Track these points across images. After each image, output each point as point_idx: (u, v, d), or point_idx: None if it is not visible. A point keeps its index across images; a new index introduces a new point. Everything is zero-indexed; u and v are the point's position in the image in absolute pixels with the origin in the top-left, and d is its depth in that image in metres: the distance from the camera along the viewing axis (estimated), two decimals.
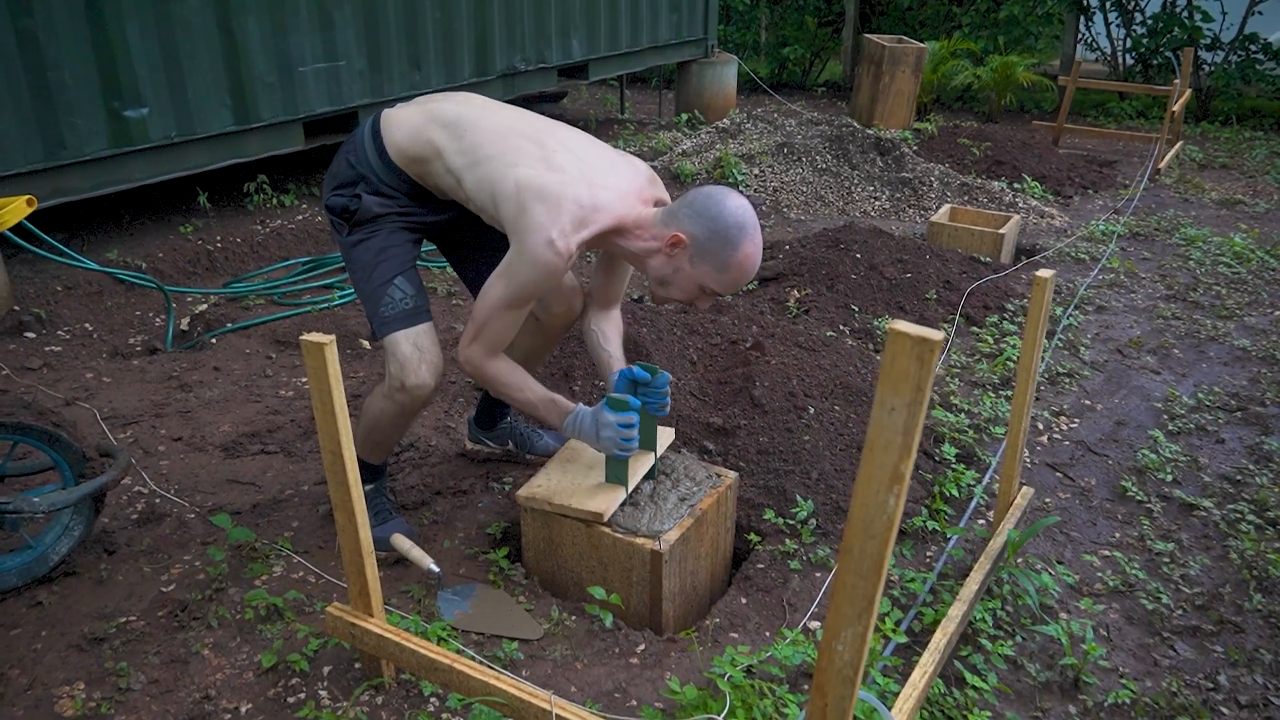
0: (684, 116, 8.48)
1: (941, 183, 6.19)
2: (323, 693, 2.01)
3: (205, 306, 4.38)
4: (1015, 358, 3.64)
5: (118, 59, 4.44)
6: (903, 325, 1.22)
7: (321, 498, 2.75)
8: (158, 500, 2.73)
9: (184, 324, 4.24)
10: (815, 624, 2.25)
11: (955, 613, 2.01)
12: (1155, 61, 9.86)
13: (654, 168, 6.56)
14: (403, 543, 2.34)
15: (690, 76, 8.82)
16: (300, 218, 5.54)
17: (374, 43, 5.54)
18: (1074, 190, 6.69)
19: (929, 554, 2.53)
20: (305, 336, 1.74)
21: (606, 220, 2.10)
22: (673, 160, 6.54)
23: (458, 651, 2.06)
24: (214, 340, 3.99)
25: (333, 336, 1.73)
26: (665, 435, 2.49)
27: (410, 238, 2.36)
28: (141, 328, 4.25)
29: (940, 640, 1.94)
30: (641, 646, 2.15)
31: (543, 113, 2.41)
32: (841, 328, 3.93)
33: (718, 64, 8.88)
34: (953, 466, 2.88)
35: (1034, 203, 6.13)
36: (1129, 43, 9.98)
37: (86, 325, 4.11)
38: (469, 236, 2.52)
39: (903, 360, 1.22)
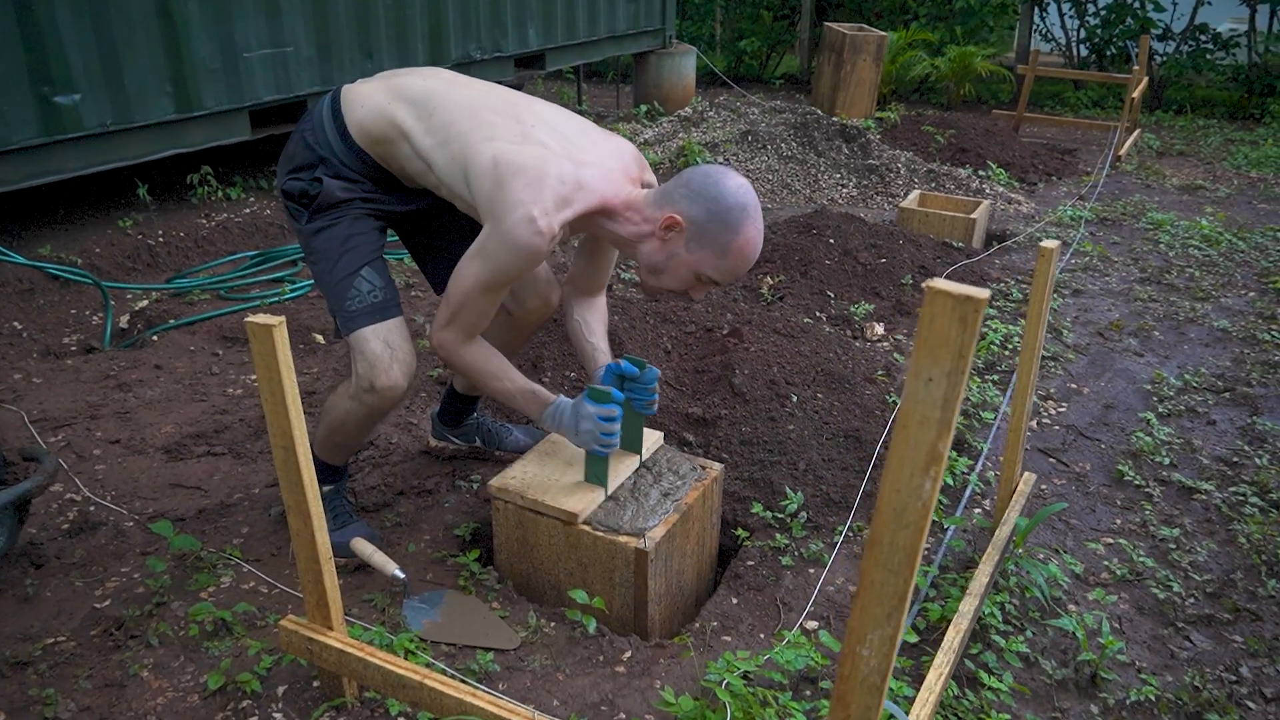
0: (643, 108, 8.32)
1: (908, 169, 6.10)
2: (277, 715, 1.81)
3: (146, 303, 4.12)
4: (998, 341, 3.54)
5: (46, 41, 4.16)
6: (943, 283, 1.07)
7: (273, 501, 2.54)
8: (92, 508, 2.50)
9: (123, 321, 3.98)
10: (813, 624, 2.10)
11: (966, 608, 1.87)
12: (1109, 52, 9.92)
13: None
14: (364, 547, 2.14)
15: (649, 67, 8.66)
16: (248, 211, 5.28)
17: (323, 29, 5.31)
18: (1038, 177, 6.65)
19: (925, 545, 2.39)
20: (251, 318, 1.55)
21: (591, 200, 1.93)
22: None
23: (427, 665, 1.88)
24: (155, 338, 3.74)
25: (282, 318, 1.54)
26: (652, 438, 2.32)
27: (376, 225, 2.17)
28: (78, 326, 3.99)
29: (953, 638, 1.79)
30: (628, 653, 1.98)
31: None
32: (818, 314, 3.79)
33: (676, 55, 8.73)
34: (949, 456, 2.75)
35: (1000, 189, 6.07)
36: (1083, 33, 10.03)
37: (15, 324, 3.84)
38: (436, 228, 2.32)
39: (942, 322, 1.07)
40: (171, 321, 3.85)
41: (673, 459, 2.32)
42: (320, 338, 3.65)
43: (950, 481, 2.59)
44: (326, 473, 2.30)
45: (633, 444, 2.26)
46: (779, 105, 6.81)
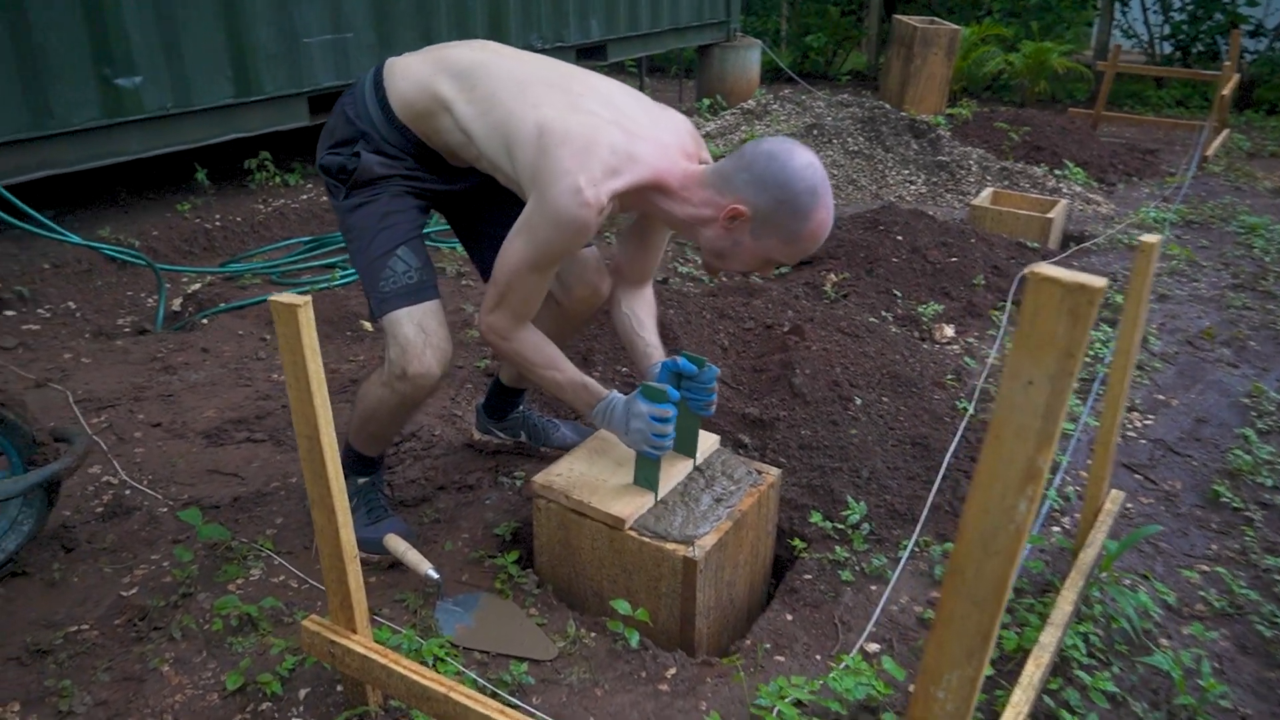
0: (705, 102, 8.16)
1: (980, 166, 5.85)
2: None
3: (199, 286, 4.09)
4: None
5: (109, 23, 4.16)
6: (1051, 269, 0.91)
7: None
8: (128, 492, 2.44)
9: (176, 304, 3.96)
10: (875, 646, 1.94)
11: (1048, 639, 1.69)
12: (1194, 49, 9.48)
13: None
14: (397, 544, 2.03)
15: (712, 61, 8.50)
16: (305, 197, 5.25)
17: (384, 15, 5.25)
18: (1117, 177, 6.34)
19: None
20: (275, 297, 1.44)
21: (644, 173, 1.79)
22: None
23: (456, 674, 1.76)
24: (205, 321, 3.70)
25: (308, 297, 1.43)
26: (708, 441, 2.18)
27: (417, 204, 2.06)
28: (132, 308, 3.97)
29: (1033, 673, 1.62)
30: (672, 670, 1.84)
31: None
32: (884, 314, 3.61)
33: (740, 48, 8.55)
34: None
35: (1078, 189, 5.79)
36: (1166, 29, 9.61)
37: (70, 304, 3.84)
38: (485, 212, 2.21)
39: (1048, 316, 0.91)
40: (221, 305, 3.80)
41: (727, 462, 2.17)
42: (369, 325, 3.57)
43: None
44: (361, 464, 2.20)
45: (687, 446, 2.12)
46: (845, 99, 6.60)
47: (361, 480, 2.22)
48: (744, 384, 2.89)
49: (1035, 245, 4.53)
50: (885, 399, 2.82)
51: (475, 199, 2.17)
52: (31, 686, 1.77)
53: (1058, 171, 6.10)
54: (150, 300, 4.02)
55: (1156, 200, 5.66)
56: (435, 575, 1.97)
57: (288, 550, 2.21)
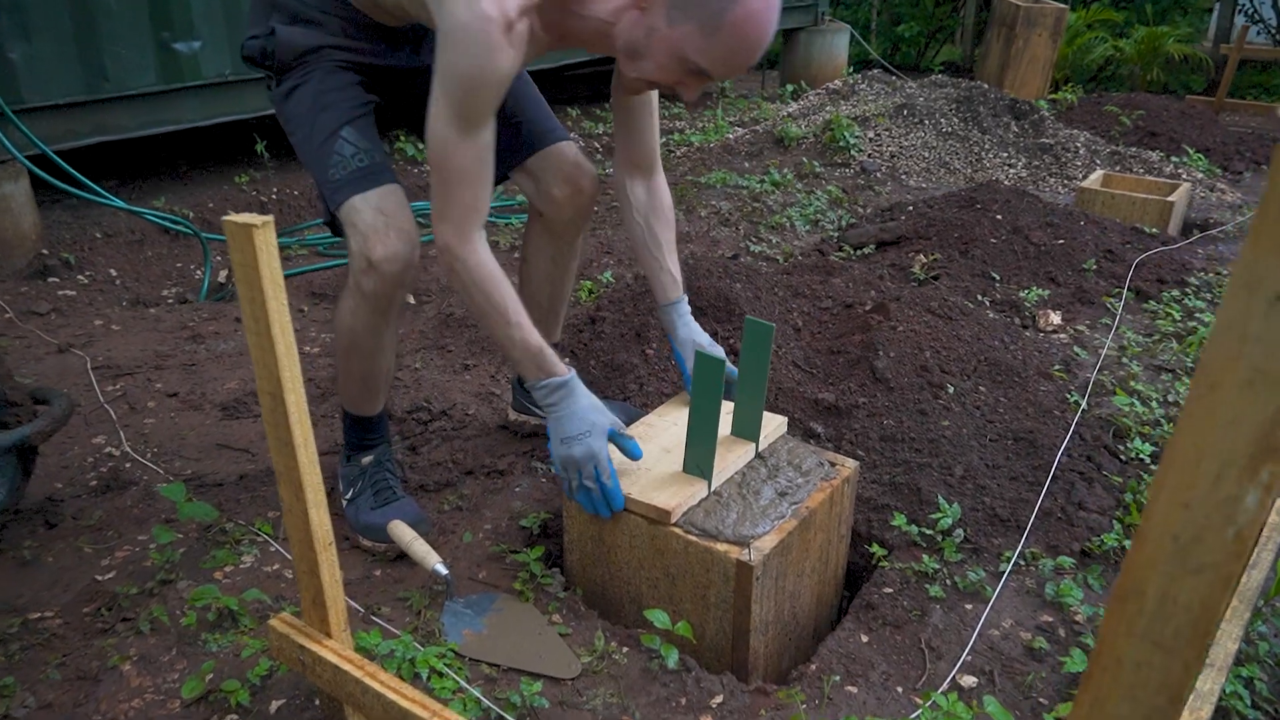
0: (789, 88, 7.76)
1: (1088, 150, 5.35)
2: None
3: None
4: None
5: None
6: None
7: (327, 471, 2.18)
8: (128, 465, 2.21)
9: (222, 276, 3.78)
10: (970, 680, 1.57)
11: (1207, 686, 1.31)
12: None
13: (756, 132, 5.91)
14: (403, 532, 1.75)
15: (797, 45, 8.10)
16: None
17: None
18: (1244, 165, 5.75)
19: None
20: (229, 217, 1.16)
21: None
22: (777, 123, 5.86)
23: (455, 690, 1.46)
24: None
25: (270, 217, 1.15)
26: (773, 424, 1.85)
27: (355, 79, 1.78)
28: (180, 280, 3.81)
29: None
30: (719, 698, 1.51)
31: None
32: (980, 298, 3.20)
33: (828, 32, 8.14)
34: (1150, 469, 2.15)
35: (1199, 175, 5.24)
36: None
37: (111, 271, 3.68)
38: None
39: None
40: None
41: (795, 451, 1.83)
42: (411, 298, 3.32)
43: None
44: (363, 434, 1.93)
45: (747, 429, 1.79)
46: (940, 80, 6.14)
47: (366, 459, 1.95)
48: (818, 367, 2.53)
49: (1154, 231, 4.05)
50: (982, 388, 2.44)
51: (419, 79, 1.89)
52: None
53: (1175, 158, 5.56)
54: (199, 272, 3.86)
55: None
56: (443, 571, 1.68)
57: (287, 536, 1.94)
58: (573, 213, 1.98)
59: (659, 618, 1.54)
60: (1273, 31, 9.17)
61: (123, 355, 2.83)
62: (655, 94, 1.85)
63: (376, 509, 1.87)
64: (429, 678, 1.47)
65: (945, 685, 1.55)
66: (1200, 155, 5.63)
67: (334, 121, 1.70)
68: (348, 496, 1.96)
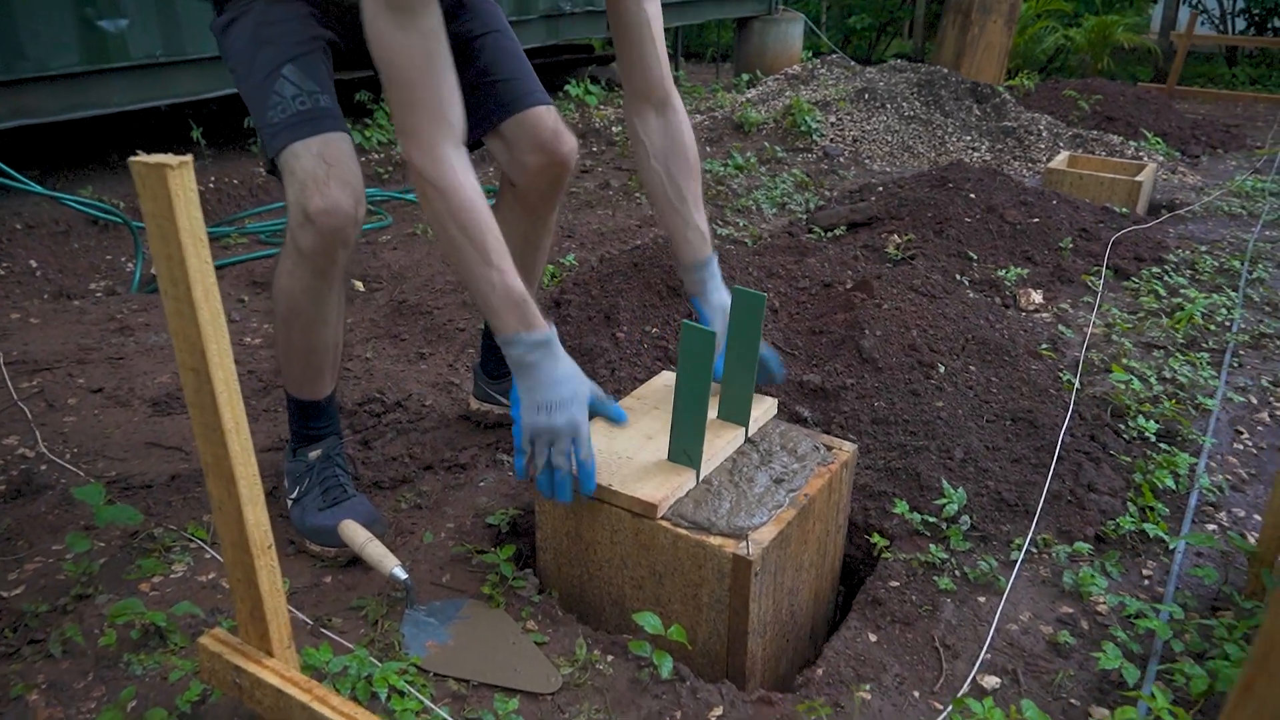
0: (744, 77, 7.64)
1: (1051, 133, 5.29)
2: None
3: None
4: (1200, 313, 2.77)
5: None
6: None
7: (270, 469, 1.98)
8: (43, 467, 1.98)
9: (154, 268, 3.53)
10: (993, 680, 1.42)
11: None
12: (1273, 23, 8.82)
13: (714, 119, 5.76)
14: (355, 533, 1.55)
15: (751, 35, 7.98)
16: None
17: None
18: (1200, 149, 5.75)
19: (1146, 572, 1.68)
20: (136, 158, 0.97)
21: None
22: (735, 109, 5.72)
23: (419, 712, 1.27)
24: None
25: (188, 157, 0.96)
26: (762, 405, 1.68)
27: (303, 10, 1.59)
28: (109, 273, 3.55)
29: None
30: (718, 710, 1.34)
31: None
32: (959, 278, 3.08)
33: (782, 21, 8.03)
34: (1157, 448, 2.03)
35: (1159, 158, 5.21)
36: (1240, 3, 8.96)
37: (31, 263, 3.41)
38: None
39: None
40: None
41: (788, 435, 1.67)
42: (360, 284, 3.11)
43: (1173, 485, 1.87)
44: (307, 419, 1.74)
45: (736, 411, 1.62)
46: (899, 64, 6.05)
47: (313, 453, 1.75)
48: (799, 348, 2.38)
49: (1124, 210, 3.98)
50: (973, 368, 2.31)
51: None
52: None
53: (1134, 142, 5.53)
54: (130, 265, 3.60)
55: (1246, 172, 5.08)
56: (402, 575, 1.49)
57: (219, 539, 1.74)
58: (547, 185, 1.79)
59: (649, 621, 1.38)
60: (1216, 22, 9.28)
61: (41, 349, 2.58)
62: (653, 8, 1.61)
63: (325, 509, 1.67)
64: (388, 698, 1.28)
65: (966, 687, 1.40)
66: (1159, 139, 5.62)
67: (275, 58, 1.51)
68: (293, 496, 1.75)
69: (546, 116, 1.75)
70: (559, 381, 1.39)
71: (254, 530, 1.10)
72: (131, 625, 1.46)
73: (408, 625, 1.47)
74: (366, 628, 1.49)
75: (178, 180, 0.95)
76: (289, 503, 1.76)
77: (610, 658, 1.43)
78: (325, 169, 1.46)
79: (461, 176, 1.34)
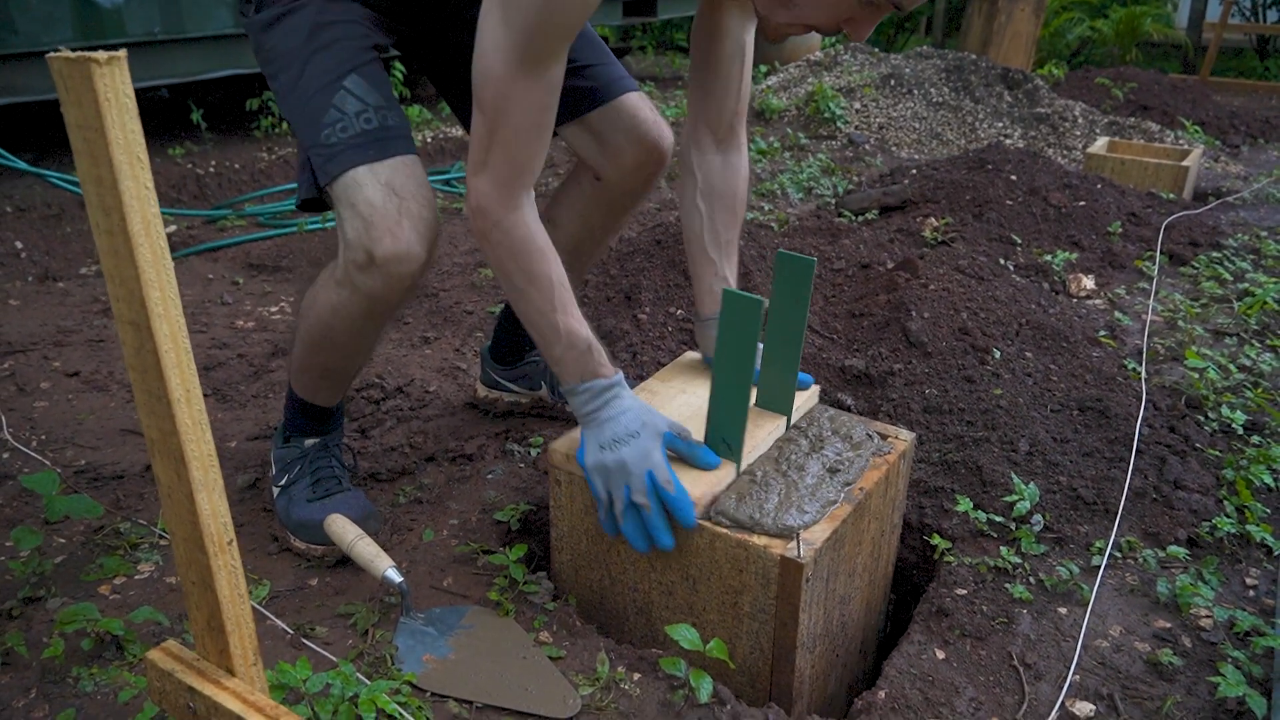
0: (763, 69, 7.43)
1: (1086, 120, 5.07)
2: None
3: (174, 229, 3.49)
4: (1274, 298, 2.54)
5: None
6: None
7: (246, 461, 1.79)
8: (6, 454, 1.80)
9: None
10: (1086, 707, 1.21)
11: None
12: None
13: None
14: (343, 530, 1.36)
15: None
16: None
17: None
18: (1240, 139, 5.52)
19: (1250, 580, 1.47)
20: (55, 54, 0.78)
21: None
22: (756, 96, 5.52)
23: None
24: (173, 263, 3.07)
25: (121, 52, 0.76)
26: (804, 394, 1.47)
27: (362, 13, 1.38)
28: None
29: None
30: None
31: None
32: (1002, 261, 2.87)
33: None
34: (1247, 441, 1.81)
35: (1200, 147, 4.98)
36: None
37: (17, 244, 3.23)
38: (461, 28, 1.48)
39: None
40: (195, 246, 3.19)
41: (839, 420, 1.47)
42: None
43: (1271, 482, 1.66)
44: (309, 420, 1.54)
45: (778, 400, 1.42)
46: (926, 50, 5.84)
47: (309, 441, 1.55)
48: (839, 331, 2.17)
49: (1171, 196, 3.76)
50: (1029, 354, 2.10)
51: (451, 17, 1.48)
52: None
53: (1172, 131, 5.30)
54: None
55: None
56: (396, 578, 1.29)
57: (168, 531, 1.54)
58: (641, 181, 1.58)
59: (686, 636, 1.17)
60: (1247, 14, 9.03)
61: (16, 331, 2.40)
62: (749, 37, 1.42)
63: (315, 500, 1.48)
64: None
65: (1054, 714, 1.19)
66: (1197, 128, 5.40)
67: (336, 66, 1.30)
68: (280, 483, 1.56)
69: (642, 105, 1.54)
70: (623, 413, 1.23)
71: (210, 522, 0.90)
72: (83, 634, 1.26)
73: (402, 636, 1.27)
74: (355, 638, 1.29)
75: (107, 80, 0.76)
76: (274, 491, 1.56)
77: (637, 676, 1.23)
78: (396, 203, 1.26)
79: (532, 222, 1.22)
